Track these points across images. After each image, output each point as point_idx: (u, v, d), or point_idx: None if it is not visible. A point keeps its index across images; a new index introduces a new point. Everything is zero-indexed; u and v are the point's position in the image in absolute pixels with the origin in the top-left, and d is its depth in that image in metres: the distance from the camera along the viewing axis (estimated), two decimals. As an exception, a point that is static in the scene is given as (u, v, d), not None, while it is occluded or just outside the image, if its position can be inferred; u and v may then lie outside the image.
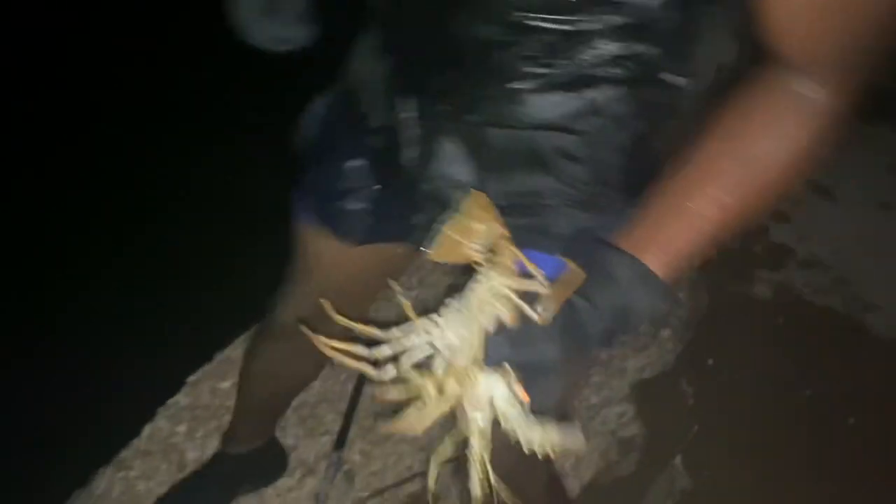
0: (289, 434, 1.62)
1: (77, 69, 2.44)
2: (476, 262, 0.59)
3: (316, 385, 1.71)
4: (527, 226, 0.72)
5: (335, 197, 0.91)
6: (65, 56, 2.46)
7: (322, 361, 1.35)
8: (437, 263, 0.61)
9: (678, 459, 1.66)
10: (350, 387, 1.67)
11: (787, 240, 2.18)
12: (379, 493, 1.55)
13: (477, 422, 0.54)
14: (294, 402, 1.65)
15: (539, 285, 0.56)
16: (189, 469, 1.53)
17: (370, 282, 1.02)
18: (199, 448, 1.58)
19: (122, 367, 1.71)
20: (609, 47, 0.60)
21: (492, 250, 0.59)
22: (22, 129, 2.23)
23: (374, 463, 1.61)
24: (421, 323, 0.57)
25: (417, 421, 0.56)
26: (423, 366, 0.57)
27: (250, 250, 1.86)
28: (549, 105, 0.65)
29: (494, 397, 0.54)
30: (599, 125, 0.66)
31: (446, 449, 0.58)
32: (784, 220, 2.21)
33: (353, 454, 1.60)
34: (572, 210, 0.73)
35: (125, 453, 1.57)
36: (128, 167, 2.20)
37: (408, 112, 0.75)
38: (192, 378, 1.70)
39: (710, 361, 1.85)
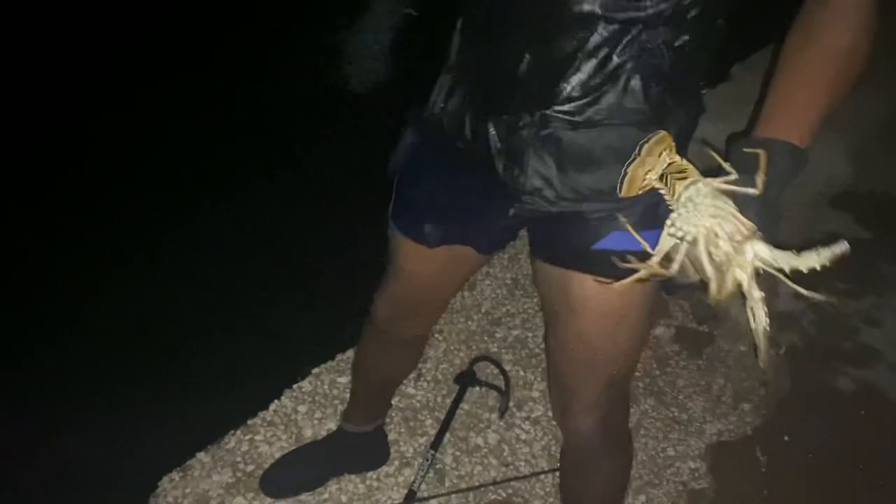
0: (392, 430, 1.83)
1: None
2: (656, 186, 0.80)
3: (420, 394, 1.94)
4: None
5: (417, 208, 1.12)
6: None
7: (416, 355, 1.57)
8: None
9: (745, 517, 1.76)
10: (450, 400, 1.89)
11: (877, 343, 2.26)
12: (464, 492, 1.72)
13: (748, 272, 0.73)
14: (400, 405, 1.88)
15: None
16: (305, 442, 1.77)
17: (447, 278, 1.23)
18: (315, 427, 1.81)
19: (258, 350, 2.01)
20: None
21: (668, 174, 0.79)
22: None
23: (463, 468, 1.79)
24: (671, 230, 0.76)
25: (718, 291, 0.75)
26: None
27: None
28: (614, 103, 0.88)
29: (758, 252, 0.73)
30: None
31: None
32: (875, 325, 2.30)
33: (445, 457, 1.80)
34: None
35: (253, 421, 1.82)
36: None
37: (492, 130, 0.95)
38: (316, 370, 1.96)
39: (786, 438, 1.95)
